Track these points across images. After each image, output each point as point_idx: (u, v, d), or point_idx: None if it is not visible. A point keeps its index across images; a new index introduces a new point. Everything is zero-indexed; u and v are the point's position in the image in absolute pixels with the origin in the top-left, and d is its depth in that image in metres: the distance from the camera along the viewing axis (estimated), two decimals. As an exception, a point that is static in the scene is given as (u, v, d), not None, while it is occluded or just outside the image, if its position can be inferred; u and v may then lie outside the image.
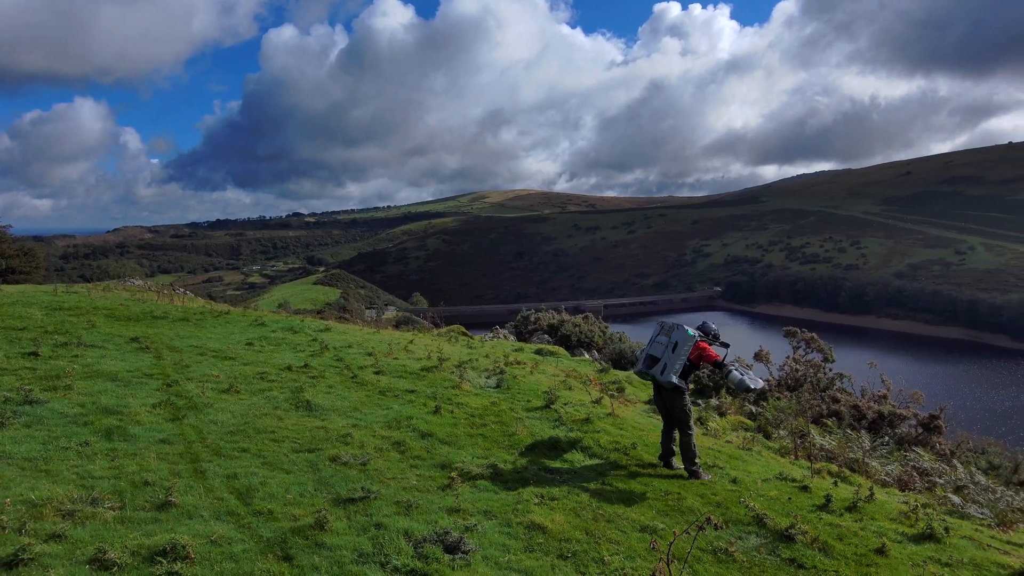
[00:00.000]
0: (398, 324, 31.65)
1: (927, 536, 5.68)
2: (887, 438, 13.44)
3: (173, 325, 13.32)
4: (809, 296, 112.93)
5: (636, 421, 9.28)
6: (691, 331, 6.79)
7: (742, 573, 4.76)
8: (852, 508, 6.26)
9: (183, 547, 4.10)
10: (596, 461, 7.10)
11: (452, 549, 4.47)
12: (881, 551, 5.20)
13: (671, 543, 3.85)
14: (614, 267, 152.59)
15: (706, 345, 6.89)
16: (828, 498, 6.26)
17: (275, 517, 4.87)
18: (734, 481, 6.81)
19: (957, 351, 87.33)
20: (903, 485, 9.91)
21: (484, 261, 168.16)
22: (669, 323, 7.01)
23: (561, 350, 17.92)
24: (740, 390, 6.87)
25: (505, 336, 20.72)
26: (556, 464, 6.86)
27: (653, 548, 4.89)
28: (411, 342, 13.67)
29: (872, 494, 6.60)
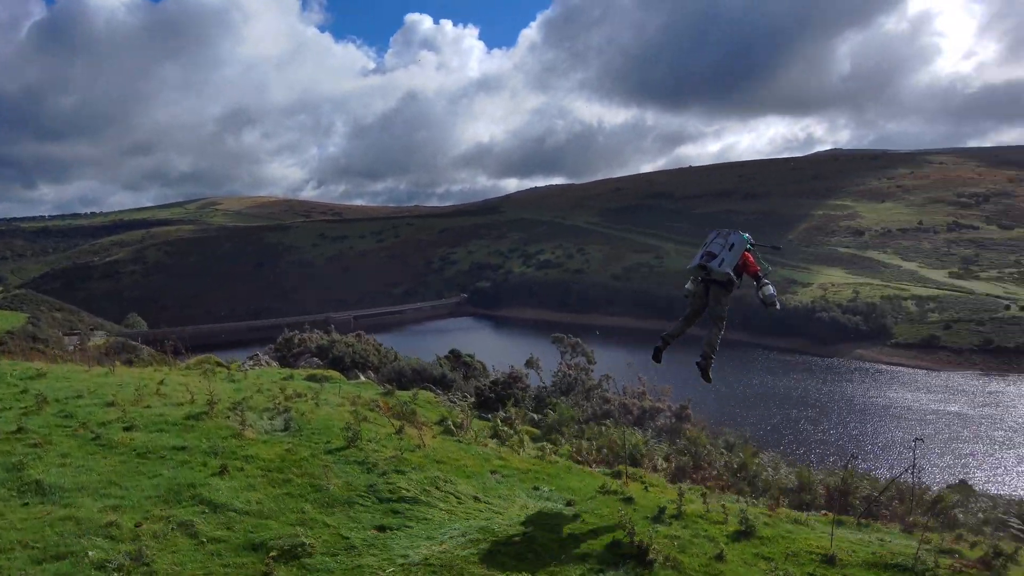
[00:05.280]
0: (108, 352, 26.73)
1: (744, 533, 6.20)
2: (650, 430, 15.04)
3: None
4: (545, 298, 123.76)
5: (447, 451, 8.80)
6: (745, 235, 7.26)
7: (619, 614, 4.60)
8: (677, 516, 6.59)
9: None
10: (426, 509, 6.46)
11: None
12: (720, 557, 5.50)
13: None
14: (363, 277, 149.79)
15: (750, 256, 7.33)
16: (662, 509, 6.53)
17: None
18: (569, 503, 6.76)
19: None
20: (677, 476, 11.07)
21: (217, 274, 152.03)
22: (725, 230, 7.39)
23: (336, 374, 16.68)
24: (768, 304, 7.24)
25: (267, 362, 18.60)
26: (386, 520, 6.07)
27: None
28: (162, 382, 11.31)
29: (682, 497, 7.07)
